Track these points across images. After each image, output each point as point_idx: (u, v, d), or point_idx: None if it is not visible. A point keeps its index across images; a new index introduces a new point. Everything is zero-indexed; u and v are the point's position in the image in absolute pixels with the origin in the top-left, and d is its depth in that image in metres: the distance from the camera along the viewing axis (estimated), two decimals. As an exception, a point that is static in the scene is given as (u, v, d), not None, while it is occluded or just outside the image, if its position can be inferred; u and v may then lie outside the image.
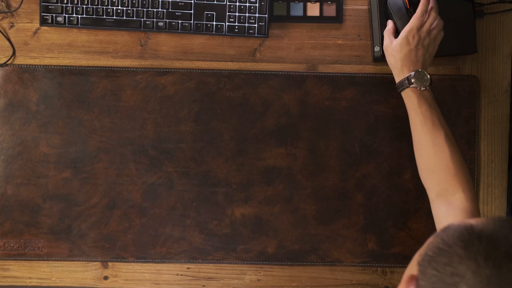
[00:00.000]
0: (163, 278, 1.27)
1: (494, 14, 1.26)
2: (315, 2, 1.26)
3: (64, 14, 1.22)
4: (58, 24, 1.23)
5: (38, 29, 1.26)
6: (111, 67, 1.25)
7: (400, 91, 1.14)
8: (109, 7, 1.22)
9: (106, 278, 1.27)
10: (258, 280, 1.27)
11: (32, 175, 1.25)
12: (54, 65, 1.25)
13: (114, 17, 1.22)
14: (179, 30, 1.23)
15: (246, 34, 1.23)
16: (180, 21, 1.23)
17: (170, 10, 1.22)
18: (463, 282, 0.65)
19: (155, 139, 1.25)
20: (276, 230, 1.26)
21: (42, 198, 1.25)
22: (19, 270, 1.26)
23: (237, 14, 1.23)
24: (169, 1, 1.22)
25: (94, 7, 1.22)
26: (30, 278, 1.27)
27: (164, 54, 1.26)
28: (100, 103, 1.25)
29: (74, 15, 1.22)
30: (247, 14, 1.23)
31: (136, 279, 1.27)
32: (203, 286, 1.27)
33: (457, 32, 1.22)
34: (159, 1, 1.22)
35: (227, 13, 1.23)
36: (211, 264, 1.27)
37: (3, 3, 1.25)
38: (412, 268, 0.76)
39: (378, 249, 1.26)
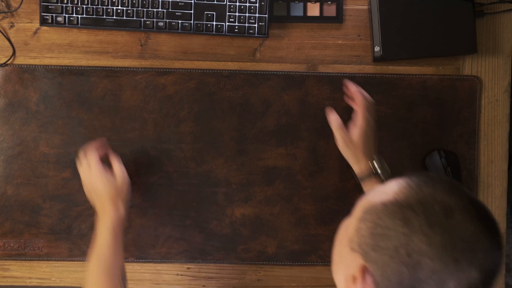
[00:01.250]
0: (163, 278, 1.27)
1: (494, 14, 1.26)
2: (315, 2, 1.26)
3: (64, 14, 1.22)
4: (58, 24, 1.23)
5: (38, 29, 1.26)
6: (111, 67, 1.25)
7: (363, 182, 1.18)
8: (109, 7, 1.22)
9: (106, 278, 1.27)
10: (258, 280, 1.27)
11: (32, 175, 1.25)
12: (54, 65, 1.25)
13: (114, 17, 1.22)
14: (179, 30, 1.23)
15: (246, 34, 1.23)
16: (180, 21, 1.23)
17: (170, 10, 1.22)
18: (424, 257, 0.68)
19: (155, 139, 1.25)
20: (276, 230, 1.26)
21: (42, 198, 1.25)
22: (19, 270, 1.26)
23: (237, 14, 1.23)
24: (169, 1, 1.22)
25: (94, 7, 1.22)
26: (30, 278, 1.26)
27: (164, 54, 1.26)
28: (100, 103, 1.25)
29: (74, 15, 1.22)
30: (247, 14, 1.23)
31: (136, 279, 1.27)
32: (203, 286, 1.27)
33: (457, 32, 1.22)
34: (159, 1, 1.22)
35: (227, 13, 1.23)
36: (211, 264, 1.27)
37: (3, 3, 1.25)
38: (345, 256, 0.77)
39: (378, 249, 1.26)
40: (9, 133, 1.24)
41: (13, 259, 1.25)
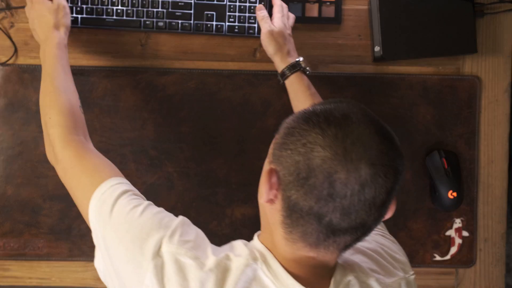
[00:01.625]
0: (163, 278, 1.27)
1: (494, 14, 1.27)
2: (314, 3, 1.26)
3: None
4: None
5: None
6: (111, 67, 1.25)
7: (286, 78, 1.18)
8: (109, 7, 1.22)
9: (106, 278, 1.27)
10: (258, 280, 1.27)
11: (32, 175, 1.25)
12: (54, 65, 1.25)
13: (114, 17, 1.22)
14: (179, 30, 1.23)
15: (246, 34, 1.23)
16: (180, 21, 1.23)
17: (170, 10, 1.22)
18: (317, 145, 0.72)
19: (155, 139, 1.25)
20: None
21: (42, 198, 1.25)
22: (19, 270, 1.26)
23: (237, 14, 1.23)
24: (169, 1, 1.22)
25: (95, 7, 1.22)
26: (30, 278, 1.27)
27: (164, 54, 1.26)
28: (100, 103, 1.25)
29: (74, 14, 1.22)
30: (247, 14, 1.23)
31: (136, 279, 1.27)
32: (203, 286, 1.27)
33: (457, 32, 1.22)
34: (159, 1, 1.22)
35: (227, 13, 1.23)
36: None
37: (3, 3, 1.25)
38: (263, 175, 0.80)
39: (378, 249, 1.26)
40: (9, 133, 1.24)
41: (13, 259, 1.25)
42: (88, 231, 1.25)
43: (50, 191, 1.25)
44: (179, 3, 1.22)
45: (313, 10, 1.26)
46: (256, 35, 1.24)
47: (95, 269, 1.25)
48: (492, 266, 1.29)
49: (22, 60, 1.26)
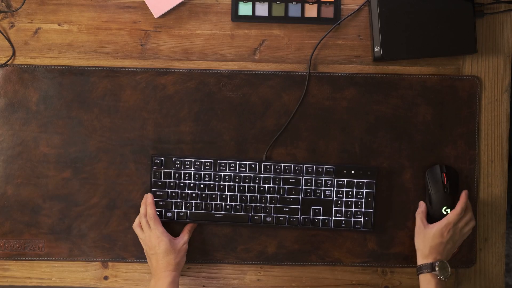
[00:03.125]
0: (163, 278, 1.27)
1: (494, 14, 1.26)
2: (313, 3, 1.26)
3: (173, 209, 1.24)
4: (167, 218, 1.24)
5: (38, 29, 1.26)
6: (111, 67, 1.25)
7: (419, 274, 1.19)
8: (219, 202, 1.23)
9: (106, 278, 1.27)
10: (258, 280, 1.27)
11: (32, 175, 1.25)
12: (54, 65, 1.25)
13: (223, 212, 1.24)
14: (286, 225, 1.24)
15: (352, 228, 1.25)
16: (287, 216, 1.24)
17: (278, 205, 1.24)
18: None
19: (155, 139, 1.25)
20: (276, 230, 1.26)
21: (42, 198, 1.25)
22: (19, 270, 1.26)
23: (343, 209, 1.24)
24: (277, 197, 1.24)
25: (203, 202, 1.23)
26: (30, 278, 1.26)
27: (164, 54, 1.26)
28: (100, 103, 1.25)
29: (183, 210, 1.24)
30: (353, 209, 1.24)
31: (136, 279, 1.27)
32: (203, 286, 1.27)
33: (457, 32, 1.22)
34: (267, 197, 1.23)
35: (334, 208, 1.24)
36: (211, 264, 1.27)
37: (3, 3, 1.25)
38: None
39: (378, 249, 1.26)
40: (9, 133, 1.24)
41: (13, 259, 1.25)
42: (88, 231, 1.26)
43: (50, 191, 1.25)
44: (287, 199, 1.24)
45: (312, 11, 1.26)
46: (361, 229, 1.25)
47: (95, 269, 1.26)
48: (492, 266, 1.28)
49: (22, 60, 1.26)
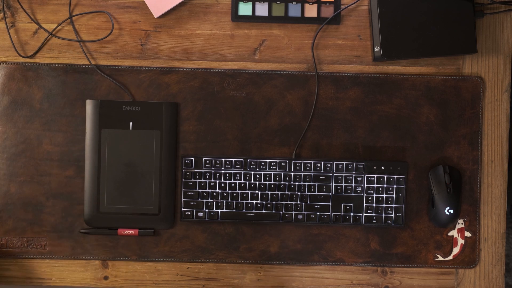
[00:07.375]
0: (163, 278, 1.26)
1: (494, 14, 1.28)
2: (313, 3, 1.27)
3: (205, 209, 1.24)
4: (198, 218, 1.25)
5: (38, 29, 1.26)
6: (113, 66, 1.25)
7: None
8: (249, 201, 1.24)
9: (106, 278, 1.26)
10: (258, 280, 1.27)
11: (35, 173, 1.24)
12: (58, 63, 1.25)
13: (254, 211, 1.24)
14: (317, 222, 1.25)
15: (383, 224, 1.25)
16: (318, 213, 1.25)
17: (308, 203, 1.24)
18: None
19: (158, 138, 1.25)
20: (278, 229, 1.26)
21: (45, 196, 1.24)
22: (19, 270, 1.25)
23: (374, 205, 1.25)
24: (308, 195, 1.24)
25: (235, 201, 1.24)
26: (30, 278, 1.26)
27: (164, 54, 1.26)
28: (103, 102, 1.25)
29: (214, 209, 1.24)
30: (384, 205, 1.25)
31: (136, 279, 1.26)
32: (203, 286, 1.27)
33: (457, 32, 1.23)
34: (298, 195, 1.24)
35: (365, 204, 1.25)
36: (211, 264, 1.26)
37: (3, 3, 1.25)
38: None
39: (381, 249, 1.27)
40: (12, 131, 1.24)
41: (16, 257, 1.25)
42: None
43: (53, 189, 1.24)
44: (318, 196, 1.24)
45: (312, 11, 1.27)
46: (392, 224, 1.25)
47: (95, 269, 1.25)
48: (492, 266, 1.29)
49: (22, 59, 1.25)
